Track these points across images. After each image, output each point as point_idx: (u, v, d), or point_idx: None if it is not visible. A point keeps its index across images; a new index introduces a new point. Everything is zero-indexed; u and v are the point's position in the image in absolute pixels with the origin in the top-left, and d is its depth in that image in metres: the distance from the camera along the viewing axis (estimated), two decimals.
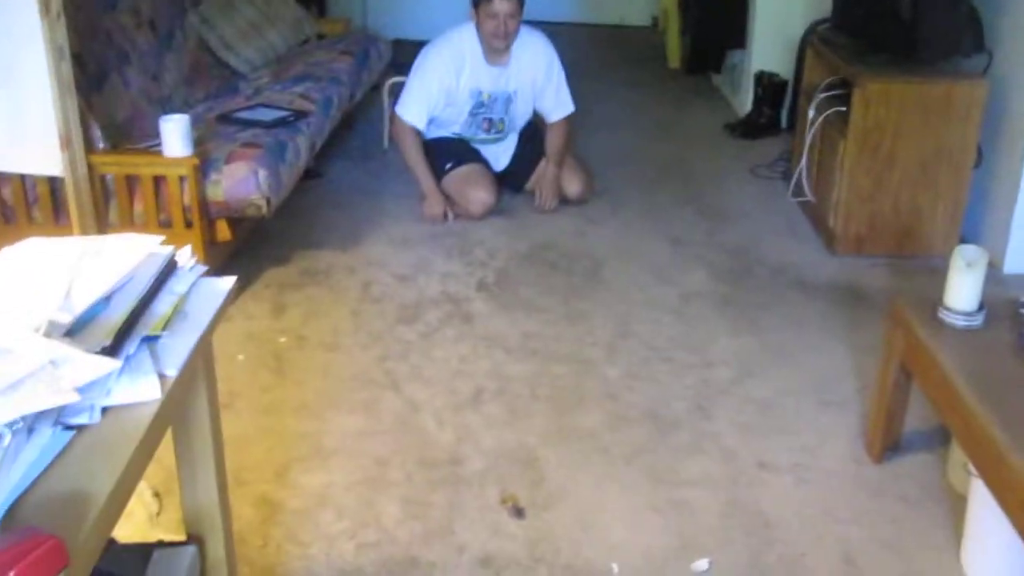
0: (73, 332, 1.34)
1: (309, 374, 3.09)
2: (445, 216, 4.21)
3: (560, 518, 2.47)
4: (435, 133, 4.39)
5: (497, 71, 4.25)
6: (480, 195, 4.16)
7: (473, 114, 4.32)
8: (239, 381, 3.04)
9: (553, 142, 4.41)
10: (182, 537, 1.91)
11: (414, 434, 2.80)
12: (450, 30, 4.28)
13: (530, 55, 4.30)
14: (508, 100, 4.34)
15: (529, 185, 4.43)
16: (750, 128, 5.36)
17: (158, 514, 2.46)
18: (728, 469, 2.67)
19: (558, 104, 4.43)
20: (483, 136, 4.39)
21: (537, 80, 4.35)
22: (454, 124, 4.37)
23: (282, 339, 3.28)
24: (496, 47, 4.16)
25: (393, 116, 4.40)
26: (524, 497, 2.54)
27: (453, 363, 3.16)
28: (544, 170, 4.38)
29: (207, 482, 1.81)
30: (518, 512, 2.48)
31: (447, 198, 4.25)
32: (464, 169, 4.25)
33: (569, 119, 4.48)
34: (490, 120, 4.37)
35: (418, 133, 4.29)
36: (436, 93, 4.21)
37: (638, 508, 2.51)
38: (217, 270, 3.39)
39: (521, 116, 4.44)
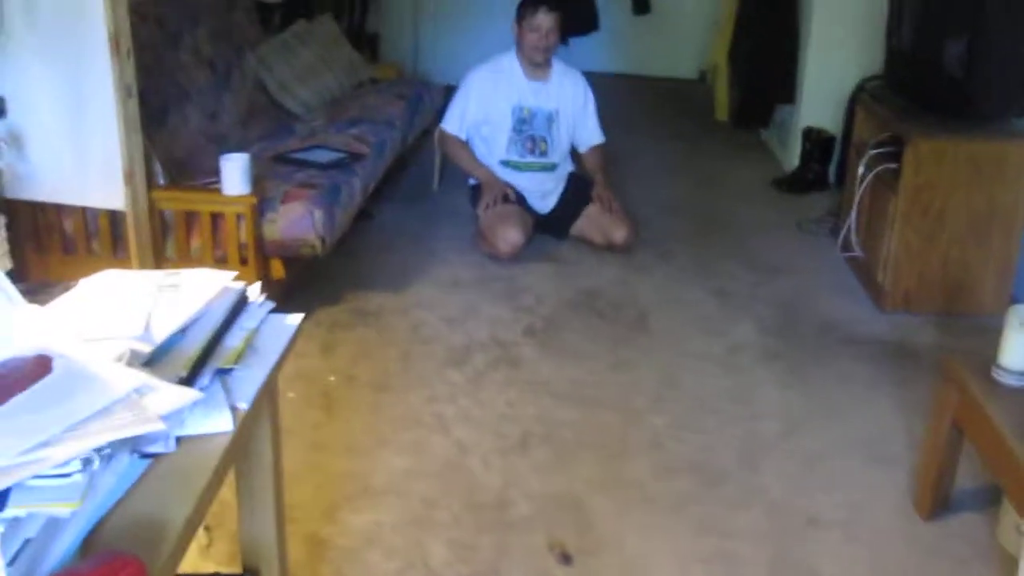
0: (152, 362, 1.38)
1: (358, 413, 3.12)
2: (507, 198, 4.37)
3: (606, 566, 2.47)
4: (485, 161, 4.55)
5: (537, 86, 4.48)
6: (510, 233, 4.21)
7: (517, 130, 4.48)
8: (289, 418, 3.05)
9: (592, 160, 4.72)
10: (236, 570, 1.94)
11: (461, 476, 2.81)
12: (492, 56, 4.62)
13: (571, 80, 4.62)
14: (549, 118, 4.51)
15: (574, 230, 4.47)
16: (797, 183, 5.37)
17: (209, 547, 2.48)
18: (775, 523, 2.66)
19: (592, 134, 4.72)
20: (529, 160, 4.49)
21: (577, 104, 4.62)
22: (499, 146, 4.49)
23: (332, 378, 3.31)
24: (535, 60, 4.44)
25: (438, 134, 4.70)
26: (571, 543, 2.54)
27: (500, 407, 3.17)
28: (591, 209, 4.50)
29: (265, 516, 1.84)
30: (565, 559, 2.48)
31: (480, 235, 4.32)
32: (501, 208, 4.33)
33: (603, 149, 4.76)
34: (533, 139, 4.49)
35: (463, 142, 4.58)
36: (475, 103, 4.48)
37: (684, 558, 2.51)
38: (270, 309, 3.46)
39: (564, 141, 4.60)
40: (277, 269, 3.47)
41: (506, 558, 2.48)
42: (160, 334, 1.41)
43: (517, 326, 3.72)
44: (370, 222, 4.65)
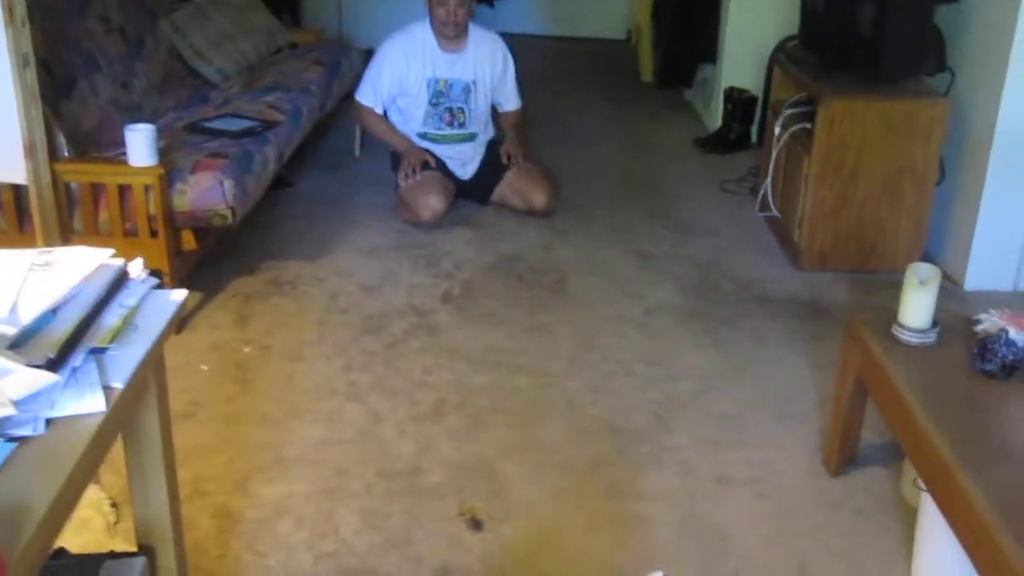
0: (18, 344, 1.35)
1: (272, 384, 3.09)
2: (426, 164, 4.34)
3: (517, 530, 2.49)
4: (402, 131, 4.50)
5: (453, 57, 4.39)
6: (431, 200, 4.19)
7: (433, 104, 4.42)
8: (202, 391, 3.04)
9: (507, 120, 4.69)
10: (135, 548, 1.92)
11: (375, 445, 2.80)
12: (408, 24, 4.47)
13: (488, 47, 4.51)
14: (466, 88, 4.45)
15: (495, 196, 4.45)
16: (720, 143, 5.40)
17: (116, 523, 2.45)
18: (686, 483, 2.69)
19: (509, 99, 4.67)
20: (447, 132, 4.44)
21: (496, 72, 4.53)
22: (416, 119, 4.44)
23: (246, 349, 3.28)
24: (446, 35, 4.34)
25: (354, 105, 4.59)
26: (483, 509, 2.55)
27: (416, 374, 3.17)
28: (512, 175, 4.47)
29: (158, 493, 1.81)
30: (476, 524, 2.49)
31: (402, 203, 4.30)
32: (422, 175, 4.30)
33: (520, 112, 4.73)
34: (451, 110, 4.44)
35: (379, 114, 4.52)
36: (388, 76, 4.40)
37: (596, 521, 2.53)
38: (183, 279, 3.43)
39: (482, 110, 4.53)
40: (189, 240, 3.42)
41: (417, 525, 2.49)
42: (28, 315, 1.38)
43: (436, 292, 3.71)
44: (290, 190, 4.61)
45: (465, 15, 4.32)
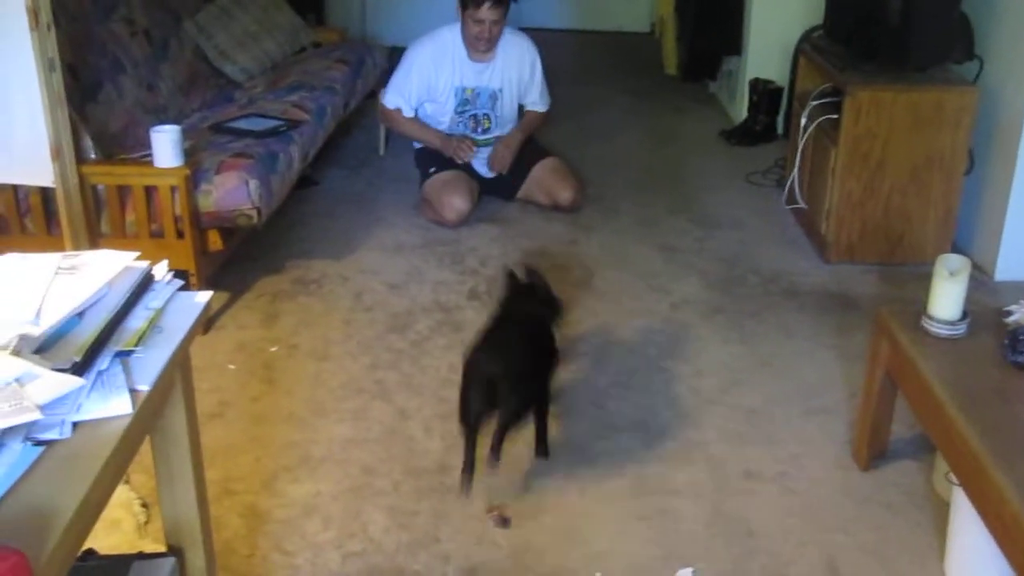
0: (44, 348, 1.36)
1: (299, 383, 3.10)
2: (470, 148, 4.34)
3: (545, 527, 2.48)
4: None
5: (481, 67, 4.33)
6: (455, 201, 4.19)
7: (459, 112, 4.38)
8: (230, 391, 3.05)
9: (528, 117, 4.55)
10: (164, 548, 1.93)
11: (402, 443, 2.81)
12: (437, 28, 4.37)
13: (517, 53, 4.40)
14: (493, 97, 4.39)
15: (521, 193, 4.45)
16: (746, 135, 5.37)
17: (146, 523, 2.47)
18: (714, 479, 2.67)
19: (539, 100, 4.56)
20: (472, 137, 4.40)
21: (523, 78, 4.45)
22: (441, 124, 4.42)
23: (273, 348, 3.29)
24: (478, 49, 4.27)
25: (380, 108, 4.54)
26: (510, 506, 2.54)
27: (443, 372, 3.17)
28: (538, 171, 4.42)
29: (186, 494, 1.82)
30: (504, 521, 2.49)
31: (426, 203, 4.29)
32: (445, 174, 4.29)
33: (542, 116, 4.62)
34: (475, 117, 4.40)
35: (406, 115, 4.43)
36: (416, 83, 4.33)
37: (623, 517, 2.52)
38: (209, 280, 3.45)
39: (508, 115, 4.48)
40: (215, 241, 3.43)
41: (445, 523, 2.49)
42: (54, 318, 1.39)
43: (461, 289, 3.71)
44: (315, 189, 4.62)
45: (499, 31, 4.24)
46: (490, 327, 2.76)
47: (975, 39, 3.82)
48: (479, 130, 4.42)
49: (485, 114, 4.40)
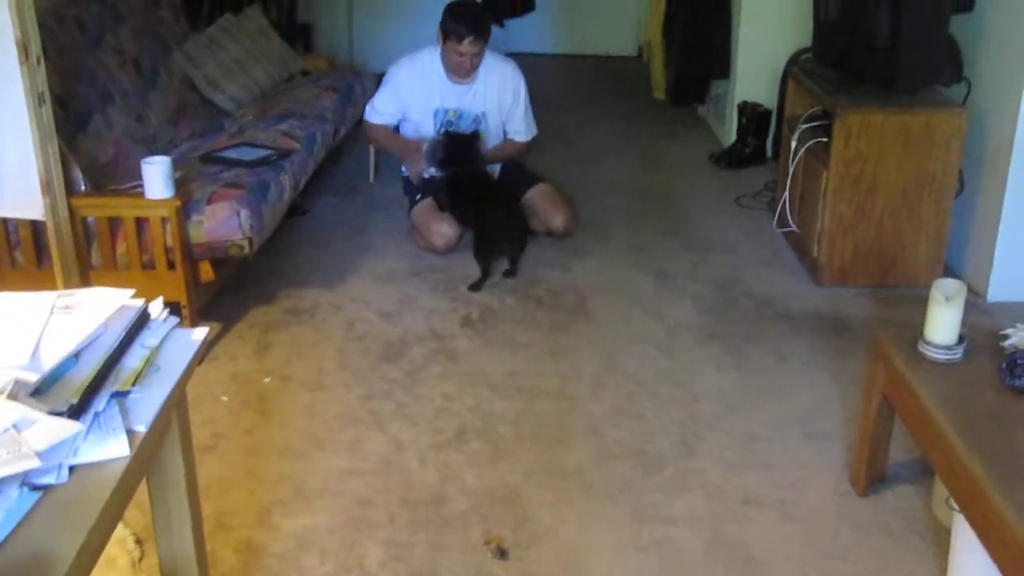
0: (40, 391, 1.34)
1: (293, 415, 3.08)
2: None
3: (544, 558, 2.46)
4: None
5: (462, 89, 4.34)
6: (443, 227, 4.17)
7: (441, 133, 4.37)
8: (223, 423, 3.03)
9: (506, 145, 4.56)
10: None
11: (398, 474, 2.79)
12: (418, 49, 4.40)
13: (498, 78, 4.39)
14: (476, 120, 4.39)
15: None
16: (735, 158, 5.38)
17: (140, 560, 2.44)
18: (712, 506, 2.66)
19: (523, 129, 4.54)
20: None
21: (504, 103, 4.44)
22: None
23: (266, 379, 3.27)
24: (458, 76, 4.29)
25: (364, 124, 4.60)
26: (508, 537, 2.53)
27: (437, 401, 3.15)
28: (530, 196, 4.43)
29: (183, 532, 1.80)
30: (501, 553, 2.47)
31: (415, 231, 4.31)
32: (432, 201, 4.27)
33: (528, 146, 4.62)
34: None
35: (387, 127, 4.51)
36: (393, 101, 4.39)
37: (622, 546, 2.51)
38: (201, 310, 3.43)
39: (493, 137, 4.47)
40: (207, 271, 3.42)
41: (442, 555, 2.47)
42: (50, 360, 1.37)
43: (454, 317, 3.70)
44: (305, 217, 4.60)
45: (479, 61, 4.25)
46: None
47: (963, 61, 3.84)
48: None
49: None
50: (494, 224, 4.05)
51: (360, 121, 5.15)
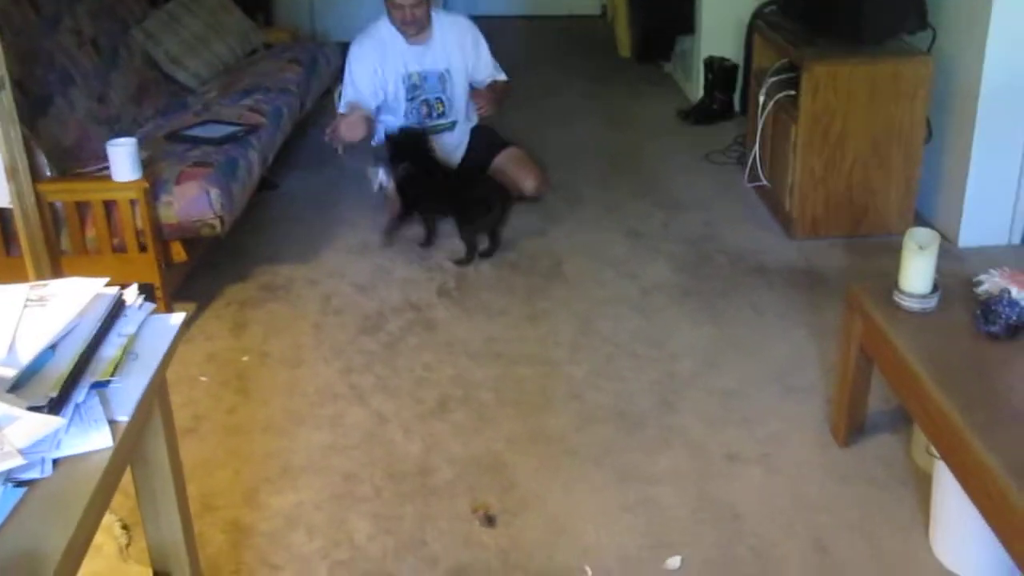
0: (19, 385, 1.33)
1: (273, 392, 3.07)
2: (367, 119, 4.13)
3: (531, 524, 2.48)
4: (387, 124, 4.34)
5: (421, 49, 4.26)
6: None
7: (410, 99, 4.30)
8: (203, 404, 3.02)
9: (495, 86, 4.46)
10: (149, 571, 1.90)
11: (382, 447, 2.79)
12: (370, 24, 4.31)
13: (455, 32, 4.34)
14: (441, 78, 4.32)
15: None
16: (703, 114, 5.38)
17: (128, 546, 2.43)
18: (696, 463, 2.68)
19: (491, 71, 4.47)
20: (428, 124, 4.33)
21: (467, 56, 4.38)
22: (397, 115, 4.32)
23: (244, 358, 3.26)
24: (408, 33, 4.21)
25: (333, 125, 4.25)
26: (494, 504, 2.54)
27: (417, 372, 3.15)
28: (500, 160, 4.37)
29: (170, 517, 1.80)
30: (489, 520, 2.48)
31: (388, 200, 4.18)
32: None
33: (510, 83, 4.54)
34: (428, 103, 4.32)
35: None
36: (362, 83, 4.21)
37: (609, 509, 2.52)
38: (175, 291, 3.41)
39: (460, 96, 4.39)
40: (179, 252, 3.40)
41: (430, 526, 2.48)
42: (27, 354, 1.36)
43: (430, 287, 3.69)
44: (275, 192, 4.57)
45: (424, 12, 4.17)
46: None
47: (927, 8, 3.84)
48: (433, 115, 4.35)
49: (437, 98, 4.34)
50: (471, 201, 3.95)
51: (327, 93, 5.12)
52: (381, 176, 4.03)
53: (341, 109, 4.25)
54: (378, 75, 4.22)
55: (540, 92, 5.93)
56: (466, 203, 3.95)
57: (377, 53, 4.23)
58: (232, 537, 2.47)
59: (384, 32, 4.24)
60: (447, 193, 4.00)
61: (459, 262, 3.89)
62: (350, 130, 4.00)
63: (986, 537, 1.97)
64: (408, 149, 4.02)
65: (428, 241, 4.04)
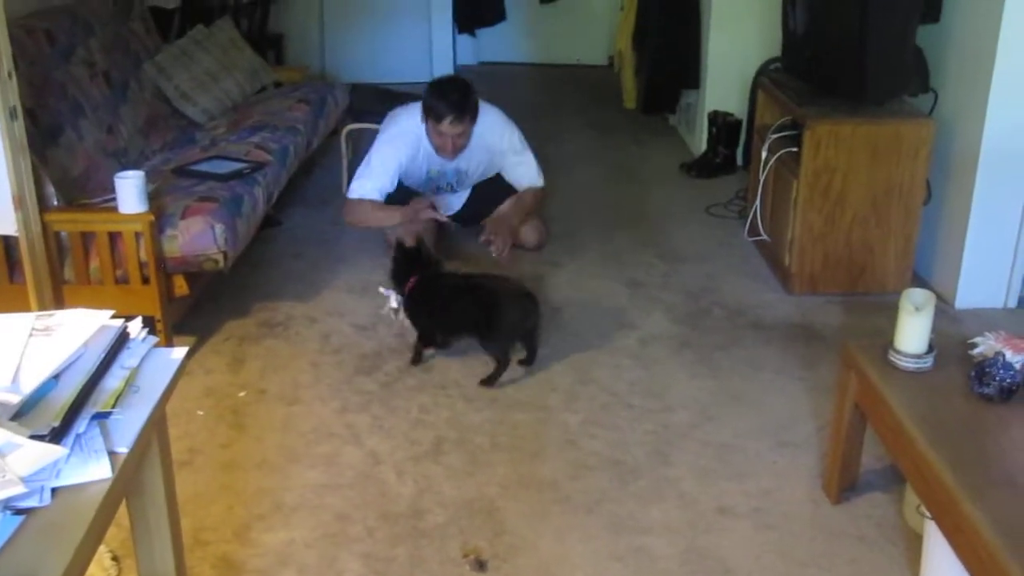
0: (21, 413, 1.34)
1: (269, 429, 3.08)
2: (433, 207, 4.08)
3: (522, 570, 2.48)
4: None
5: (449, 157, 4.16)
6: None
7: (425, 185, 4.28)
8: (198, 438, 3.02)
9: (523, 197, 4.33)
10: None
11: (375, 487, 2.79)
12: (404, 116, 4.15)
13: (486, 142, 4.19)
14: (459, 172, 4.27)
15: (482, 238, 4.19)
16: (706, 167, 5.42)
17: None
18: (688, 515, 2.68)
19: (525, 177, 4.35)
20: (434, 196, 4.31)
21: (494, 159, 4.28)
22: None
23: (241, 393, 3.27)
24: (444, 155, 4.10)
25: (346, 202, 4.22)
26: (486, 549, 2.54)
27: (413, 413, 3.16)
28: (501, 211, 4.32)
29: (163, 550, 1.80)
30: (480, 565, 2.48)
31: (389, 243, 4.08)
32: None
33: (540, 194, 4.38)
34: (439, 186, 4.32)
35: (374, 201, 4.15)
36: (391, 175, 4.10)
37: (599, 557, 2.52)
38: (175, 324, 3.43)
39: (473, 181, 4.38)
40: (181, 286, 3.41)
41: (421, 569, 2.47)
42: (30, 383, 1.37)
43: None
44: (278, 229, 4.60)
45: (465, 140, 4.04)
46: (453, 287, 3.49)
47: (930, 72, 3.90)
48: (442, 191, 4.36)
49: (449, 184, 4.33)
50: (496, 307, 3.37)
51: (333, 133, 5.17)
52: (392, 301, 3.60)
53: (353, 194, 4.13)
54: (401, 169, 4.13)
55: (544, 140, 5.95)
56: (492, 310, 3.36)
57: (406, 155, 4.12)
58: (222, 572, 2.46)
59: (417, 137, 4.10)
60: (469, 302, 3.43)
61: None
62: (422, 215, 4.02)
63: None
64: (409, 265, 3.50)
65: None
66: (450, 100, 3.95)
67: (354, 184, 4.16)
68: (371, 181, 4.10)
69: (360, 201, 4.12)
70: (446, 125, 3.95)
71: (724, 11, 5.43)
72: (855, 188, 3.81)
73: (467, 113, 3.98)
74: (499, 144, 4.25)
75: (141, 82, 4.53)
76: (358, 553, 2.53)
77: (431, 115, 3.97)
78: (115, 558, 2.47)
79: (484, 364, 3.44)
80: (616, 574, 2.47)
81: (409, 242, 3.54)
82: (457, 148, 4.05)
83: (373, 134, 4.33)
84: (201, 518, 2.66)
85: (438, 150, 4.09)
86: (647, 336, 3.67)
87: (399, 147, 4.12)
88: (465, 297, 3.43)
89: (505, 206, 4.34)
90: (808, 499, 2.75)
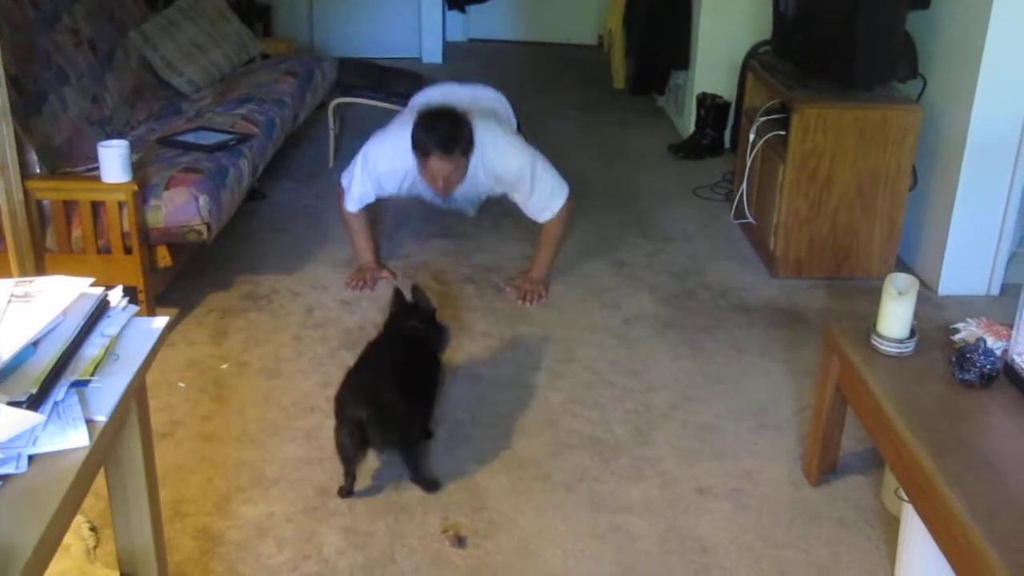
0: None
1: (250, 402, 3.07)
2: (363, 286, 3.85)
3: (501, 546, 2.48)
4: None
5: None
6: None
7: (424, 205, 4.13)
8: (180, 409, 3.02)
9: (543, 241, 3.89)
10: (116, 574, 1.90)
11: None
12: (400, 130, 3.65)
13: (493, 171, 3.69)
14: (465, 196, 3.95)
15: (509, 296, 3.84)
16: (693, 149, 5.42)
17: (95, 548, 2.43)
18: (667, 495, 2.69)
19: (543, 211, 3.81)
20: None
21: (506, 189, 3.82)
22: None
23: (223, 366, 3.26)
24: (436, 192, 3.69)
25: (338, 190, 3.89)
26: (465, 525, 2.54)
27: None
28: (528, 274, 3.91)
29: (141, 520, 1.80)
30: (459, 541, 2.49)
31: None
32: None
33: (563, 215, 3.82)
34: (434, 207, 4.14)
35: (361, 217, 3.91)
36: (391, 189, 3.78)
37: (579, 535, 2.53)
38: (158, 296, 3.41)
39: (486, 195, 4.09)
40: (164, 256, 3.40)
41: (401, 543, 2.48)
42: (8, 349, 1.36)
43: None
44: (263, 202, 4.58)
45: (459, 175, 3.57)
46: (365, 354, 2.84)
47: (918, 58, 3.90)
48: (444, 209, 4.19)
49: (456, 206, 4.17)
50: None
51: (321, 106, 5.15)
52: None
53: (348, 205, 3.84)
54: (402, 188, 3.79)
55: (534, 119, 5.91)
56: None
57: (398, 175, 3.72)
58: (201, 544, 2.46)
59: (410, 167, 3.64)
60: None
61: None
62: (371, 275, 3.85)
63: None
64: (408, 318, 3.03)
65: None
66: (438, 134, 3.47)
67: (348, 195, 3.82)
68: (357, 187, 3.78)
69: (349, 213, 3.85)
70: (434, 161, 3.48)
71: None
72: (841, 172, 3.82)
73: (457, 147, 3.48)
74: (507, 175, 3.72)
75: (127, 51, 4.49)
76: (337, 527, 2.53)
77: (417, 148, 3.51)
78: (93, 528, 2.46)
79: (470, 339, 3.44)
80: (595, 552, 2.47)
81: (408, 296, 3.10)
82: (450, 186, 3.60)
83: (360, 108, 4.26)
84: (181, 490, 2.65)
85: (431, 186, 3.66)
86: (631, 316, 3.67)
87: (394, 166, 3.69)
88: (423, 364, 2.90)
89: (533, 267, 3.93)
90: (788, 481, 2.76)
